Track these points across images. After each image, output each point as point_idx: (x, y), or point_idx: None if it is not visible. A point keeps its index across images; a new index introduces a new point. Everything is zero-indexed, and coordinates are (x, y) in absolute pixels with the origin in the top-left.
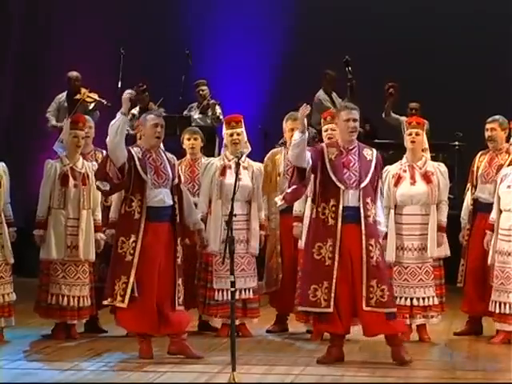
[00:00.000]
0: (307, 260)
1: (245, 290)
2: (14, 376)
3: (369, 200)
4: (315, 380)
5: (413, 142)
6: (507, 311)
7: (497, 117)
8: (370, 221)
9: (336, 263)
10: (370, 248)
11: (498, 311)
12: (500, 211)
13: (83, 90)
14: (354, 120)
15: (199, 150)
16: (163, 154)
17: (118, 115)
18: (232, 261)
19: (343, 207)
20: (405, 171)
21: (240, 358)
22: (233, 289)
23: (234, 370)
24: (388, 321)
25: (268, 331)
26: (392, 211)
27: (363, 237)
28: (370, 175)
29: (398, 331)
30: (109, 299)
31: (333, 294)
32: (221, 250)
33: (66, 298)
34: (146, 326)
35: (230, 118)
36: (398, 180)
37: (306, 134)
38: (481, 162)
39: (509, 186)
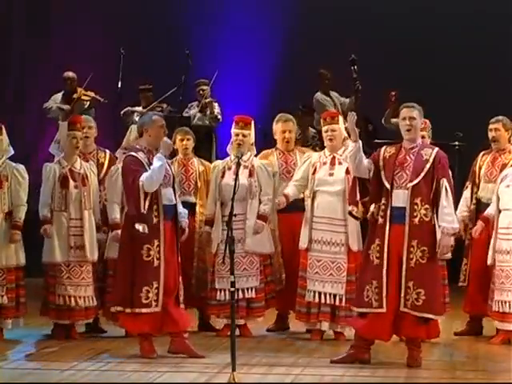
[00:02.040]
0: (363, 260)
1: (247, 289)
2: (14, 376)
3: (418, 200)
4: (315, 380)
5: None
6: (506, 310)
7: (500, 117)
8: (416, 221)
9: (385, 263)
10: (411, 249)
11: (499, 310)
12: (499, 211)
13: (79, 89)
14: (411, 118)
15: (191, 149)
16: None
17: (159, 156)
18: (232, 261)
19: (391, 207)
20: None
21: (240, 357)
22: (233, 289)
23: (233, 369)
24: (418, 325)
25: (268, 330)
26: None
27: (406, 237)
28: (421, 175)
29: (424, 338)
30: (136, 309)
31: (384, 294)
32: (221, 250)
33: (72, 299)
34: (149, 326)
35: (239, 118)
36: None
37: (360, 142)
38: (483, 161)
39: (507, 186)
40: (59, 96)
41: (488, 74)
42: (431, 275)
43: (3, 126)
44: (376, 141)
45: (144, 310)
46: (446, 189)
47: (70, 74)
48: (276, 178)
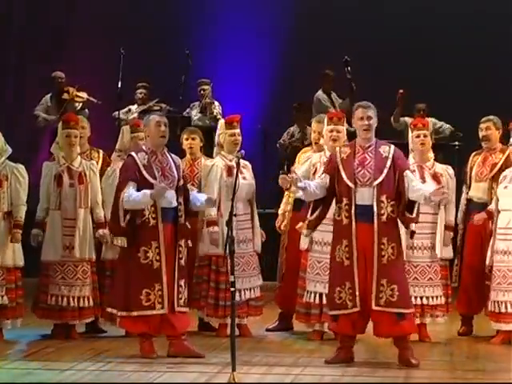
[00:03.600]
0: (330, 262)
1: (256, 287)
2: (14, 376)
3: (384, 197)
4: (315, 380)
5: (422, 144)
6: (502, 310)
7: (491, 117)
8: (384, 219)
9: (355, 262)
10: (382, 246)
11: (497, 311)
12: (498, 211)
13: (71, 90)
14: (368, 118)
15: (198, 149)
16: (168, 155)
17: (147, 196)
18: (232, 261)
19: (356, 205)
20: (413, 171)
21: (240, 357)
22: (233, 289)
23: (233, 370)
24: (397, 322)
25: (269, 330)
26: None
27: (375, 235)
28: (385, 172)
29: (407, 333)
30: (136, 312)
31: (357, 294)
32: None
33: (65, 299)
34: (149, 327)
35: (231, 118)
36: None
37: (305, 188)
38: (474, 161)
39: (505, 187)
40: (48, 97)
41: (488, 74)
42: (401, 270)
43: None
44: None
45: (147, 313)
46: (411, 178)
47: (59, 73)
48: None
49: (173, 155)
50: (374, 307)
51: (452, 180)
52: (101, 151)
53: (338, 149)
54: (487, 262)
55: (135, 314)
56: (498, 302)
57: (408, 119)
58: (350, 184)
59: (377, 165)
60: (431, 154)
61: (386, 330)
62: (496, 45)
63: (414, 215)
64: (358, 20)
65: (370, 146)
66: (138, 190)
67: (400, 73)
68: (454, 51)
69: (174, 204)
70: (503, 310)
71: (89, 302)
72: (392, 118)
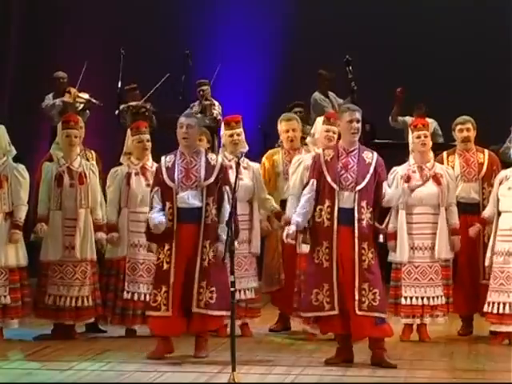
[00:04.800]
0: (308, 264)
1: (248, 289)
2: (14, 376)
3: (364, 203)
4: (315, 380)
5: (423, 144)
6: (507, 311)
7: (467, 117)
8: (364, 224)
9: (334, 264)
10: (363, 251)
11: (496, 312)
12: (499, 213)
13: (73, 90)
14: (358, 121)
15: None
16: (203, 156)
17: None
18: (232, 261)
19: (338, 208)
20: (414, 172)
21: (240, 357)
22: (233, 289)
23: (234, 370)
24: (376, 325)
25: (271, 330)
26: (402, 211)
27: (356, 240)
28: (367, 178)
29: (387, 335)
30: (147, 312)
31: (336, 296)
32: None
33: (63, 299)
34: (163, 328)
35: (229, 118)
36: (408, 180)
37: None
38: (452, 162)
39: (509, 188)
40: (51, 96)
41: (488, 74)
42: (380, 275)
43: (3, 126)
44: (376, 141)
45: (154, 314)
46: (386, 187)
47: (61, 73)
48: (280, 178)
49: (212, 156)
50: (357, 312)
51: (452, 181)
52: (93, 152)
53: (321, 151)
54: (486, 263)
55: (150, 313)
56: (500, 303)
57: (408, 118)
58: (335, 186)
59: (360, 170)
60: (432, 155)
61: (365, 333)
62: (496, 45)
63: (383, 226)
64: (358, 20)
65: (353, 150)
66: (162, 192)
67: (400, 73)
68: (454, 51)
69: (193, 204)
70: (501, 311)
71: (88, 302)
72: (390, 117)
